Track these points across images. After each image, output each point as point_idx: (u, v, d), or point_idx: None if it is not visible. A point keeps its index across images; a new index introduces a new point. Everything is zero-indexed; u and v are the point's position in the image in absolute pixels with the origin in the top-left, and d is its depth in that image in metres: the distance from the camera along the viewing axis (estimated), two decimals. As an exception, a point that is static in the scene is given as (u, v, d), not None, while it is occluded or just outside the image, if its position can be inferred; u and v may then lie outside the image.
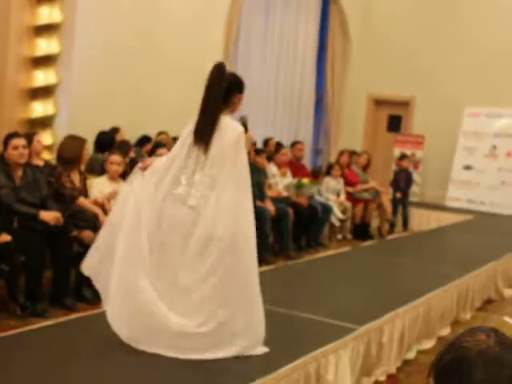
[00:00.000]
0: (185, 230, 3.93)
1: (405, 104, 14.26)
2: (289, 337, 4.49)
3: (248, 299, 3.98)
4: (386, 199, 11.24)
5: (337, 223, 10.10)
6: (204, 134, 3.96)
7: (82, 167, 7.28)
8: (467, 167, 13.13)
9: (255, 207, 7.65)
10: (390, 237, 10.11)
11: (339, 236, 10.46)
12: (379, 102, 14.70)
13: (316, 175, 10.43)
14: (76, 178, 6.47)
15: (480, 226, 10.64)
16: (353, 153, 11.72)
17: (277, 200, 8.73)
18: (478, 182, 12.92)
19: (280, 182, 9.29)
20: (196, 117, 4.08)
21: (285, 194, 9.16)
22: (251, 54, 12.17)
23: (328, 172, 10.62)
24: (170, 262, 3.98)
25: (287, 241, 8.69)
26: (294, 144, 10.28)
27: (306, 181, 9.44)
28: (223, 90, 3.99)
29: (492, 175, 12.81)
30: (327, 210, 9.66)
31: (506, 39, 12.92)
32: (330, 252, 8.11)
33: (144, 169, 4.25)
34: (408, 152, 13.28)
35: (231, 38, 11.33)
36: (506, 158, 12.77)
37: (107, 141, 8.28)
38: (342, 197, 10.42)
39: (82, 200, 6.32)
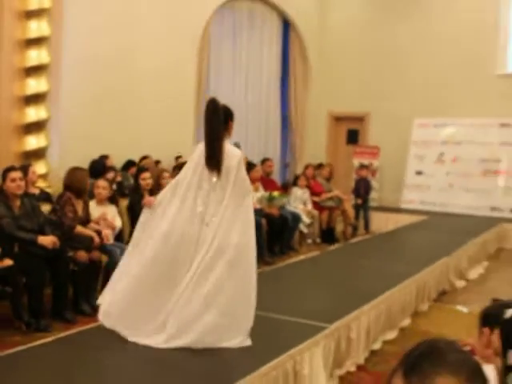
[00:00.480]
0: (199, 245, 4.11)
1: (361, 119, 14.37)
2: (266, 337, 4.45)
3: (247, 302, 4.17)
4: (349, 205, 11.30)
5: (305, 230, 10.16)
6: (216, 160, 4.13)
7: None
8: (419, 173, 13.24)
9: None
10: (354, 240, 10.09)
11: (309, 241, 10.51)
12: (338, 119, 14.78)
13: (285, 188, 10.52)
14: (80, 206, 6.40)
15: (433, 225, 10.70)
16: (318, 166, 11.80)
17: (251, 212, 8.76)
18: (429, 186, 13.03)
19: (253, 195, 9.32)
20: (202, 145, 4.25)
21: (258, 206, 9.18)
22: (222, 80, 12.21)
23: (295, 183, 10.70)
24: (180, 274, 4.11)
25: (262, 249, 8.71)
26: (263, 161, 10.33)
27: (276, 193, 9.48)
28: (222, 120, 4.18)
29: (441, 179, 12.92)
30: (296, 218, 9.74)
31: (446, 56, 13.10)
32: (301, 256, 8.12)
33: (148, 205, 4.42)
34: (366, 162, 13.42)
35: (203, 68, 11.39)
36: (453, 163, 12.89)
37: (99, 167, 8.30)
38: (309, 206, 10.49)
39: (78, 228, 6.26)
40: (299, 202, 10.35)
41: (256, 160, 10.93)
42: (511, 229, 11.00)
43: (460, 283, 7.84)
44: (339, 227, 11.17)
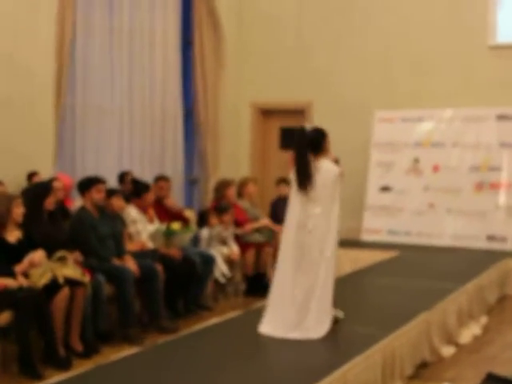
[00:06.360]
0: (306, 249, 6.78)
1: (300, 112, 14.51)
2: None
3: (329, 294, 6.76)
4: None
5: (222, 280, 10.00)
6: (303, 181, 6.61)
7: None
8: (385, 188, 13.46)
9: (112, 267, 7.62)
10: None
11: (230, 289, 10.40)
12: (267, 113, 15.00)
13: (202, 217, 10.34)
14: None
15: (406, 265, 10.80)
16: (241, 183, 11.52)
17: (141, 255, 8.61)
18: (400, 207, 13.24)
19: (144, 229, 9.18)
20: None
21: (151, 245, 9.05)
22: (94, 60, 12.10)
23: (206, 220, 10.42)
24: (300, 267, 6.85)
25: (158, 308, 8.56)
26: (156, 180, 10.17)
27: (176, 226, 9.30)
28: (307, 147, 6.62)
29: (417, 197, 13.14)
30: (208, 261, 9.59)
31: (418, 23, 13.39)
32: (215, 319, 7.96)
33: None
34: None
35: (65, 42, 11.22)
36: (433, 174, 13.11)
37: None
38: (233, 247, 10.40)
39: None
40: (217, 241, 10.19)
41: (148, 174, 10.82)
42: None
43: (447, 350, 7.89)
44: (271, 272, 11.05)
